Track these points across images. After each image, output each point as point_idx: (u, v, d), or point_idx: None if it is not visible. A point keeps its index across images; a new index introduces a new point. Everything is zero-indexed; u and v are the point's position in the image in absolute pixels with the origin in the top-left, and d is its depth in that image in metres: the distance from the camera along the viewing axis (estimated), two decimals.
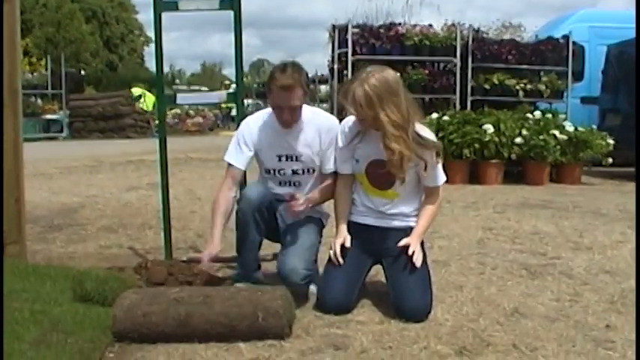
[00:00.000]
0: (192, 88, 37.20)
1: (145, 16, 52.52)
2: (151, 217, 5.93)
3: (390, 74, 3.19)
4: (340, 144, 3.38)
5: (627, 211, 6.37)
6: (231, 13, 3.99)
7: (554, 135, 8.96)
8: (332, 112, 11.68)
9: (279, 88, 3.31)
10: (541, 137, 8.89)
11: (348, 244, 3.31)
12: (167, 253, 4.19)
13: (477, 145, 8.82)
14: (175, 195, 6.28)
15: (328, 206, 3.66)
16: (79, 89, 24.23)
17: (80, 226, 5.63)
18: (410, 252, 3.21)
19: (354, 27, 10.36)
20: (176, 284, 3.38)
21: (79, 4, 43.30)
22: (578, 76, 11.92)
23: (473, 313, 3.22)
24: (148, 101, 22.37)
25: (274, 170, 3.56)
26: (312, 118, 3.49)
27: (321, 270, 3.47)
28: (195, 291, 2.97)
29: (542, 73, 10.82)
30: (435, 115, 9.30)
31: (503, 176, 9.08)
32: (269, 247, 3.85)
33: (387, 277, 3.34)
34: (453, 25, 10.72)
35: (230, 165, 3.52)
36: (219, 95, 6.59)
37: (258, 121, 3.57)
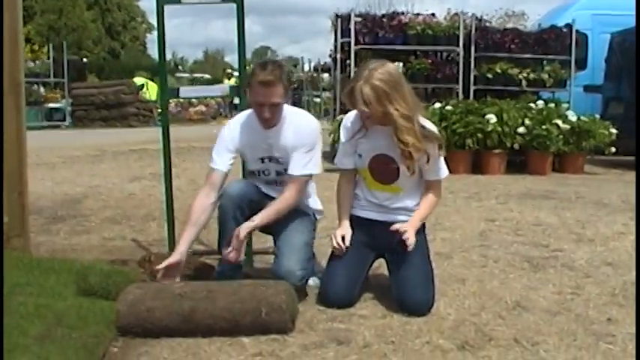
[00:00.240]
0: (195, 76, 37.11)
1: (147, 3, 52.26)
2: (154, 208, 5.94)
3: (392, 67, 3.20)
4: (343, 139, 3.39)
5: (629, 201, 6.37)
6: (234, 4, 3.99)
7: (557, 124, 8.96)
8: (335, 101, 11.71)
9: (259, 84, 3.26)
10: (544, 127, 8.89)
11: (348, 238, 3.31)
12: (170, 245, 4.19)
13: (479, 135, 8.82)
14: (178, 186, 6.28)
15: (323, 201, 3.69)
16: (81, 77, 24.18)
17: (84, 218, 5.65)
18: (404, 237, 3.19)
19: (356, 16, 10.35)
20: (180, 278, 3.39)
21: None
22: (581, 64, 11.88)
23: (475, 307, 3.23)
24: (151, 90, 22.35)
25: (259, 171, 3.55)
26: (292, 120, 3.44)
27: (323, 264, 3.49)
28: (199, 286, 2.98)
29: (545, 62, 10.80)
30: (437, 105, 9.29)
31: (506, 166, 9.09)
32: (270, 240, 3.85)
33: (390, 271, 3.35)
34: (456, 14, 10.71)
35: (211, 170, 3.46)
36: (221, 88, 6.62)
37: (239, 122, 3.52)
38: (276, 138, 3.43)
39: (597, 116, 9.70)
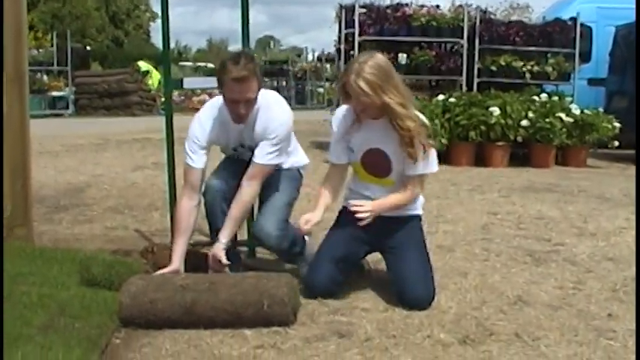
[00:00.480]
0: (199, 64, 37.02)
1: None
2: (157, 198, 5.95)
3: (381, 58, 3.16)
4: (335, 134, 3.36)
5: (632, 196, 6.36)
6: None
7: (561, 118, 8.95)
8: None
9: (233, 81, 3.16)
10: (547, 120, 8.88)
11: (313, 221, 3.21)
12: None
13: (482, 128, 8.81)
14: (181, 175, 6.28)
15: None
16: (84, 65, 24.16)
17: (86, 207, 5.67)
18: (357, 208, 3.17)
19: (361, 7, 10.30)
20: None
21: None
22: (586, 57, 11.83)
23: (476, 301, 3.24)
24: (154, 78, 22.31)
25: (234, 155, 3.57)
26: (263, 114, 3.36)
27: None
28: (201, 278, 2.99)
29: (549, 55, 10.76)
30: (441, 97, 9.28)
31: (509, 159, 9.08)
32: None
33: (387, 267, 3.35)
34: (461, 6, 10.64)
35: (188, 167, 3.43)
36: None
37: (209, 117, 3.44)
38: (247, 131, 3.40)
39: (601, 110, 9.68)
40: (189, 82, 6.46)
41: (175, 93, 20.90)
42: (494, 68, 10.39)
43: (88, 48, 29.12)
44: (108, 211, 5.51)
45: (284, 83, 28.17)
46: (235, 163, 3.55)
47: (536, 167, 8.90)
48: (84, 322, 2.74)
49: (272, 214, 3.38)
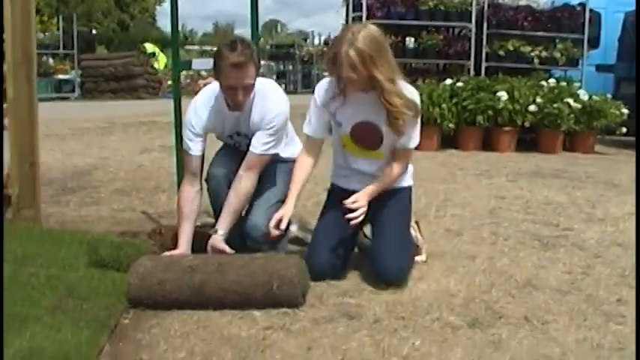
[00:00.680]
0: (205, 48, 36.94)
1: None
2: (163, 180, 5.95)
3: (375, 30, 3.08)
4: (315, 107, 3.29)
5: None
6: None
7: (569, 103, 8.90)
8: None
9: (231, 67, 3.13)
10: (555, 105, 8.83)
11: (285, 221, 3.18)
12: None
13: (490, 112, 8.77)
14: None
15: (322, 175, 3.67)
16: (90, 49, 24.18)
17: (93, 189, 5.67)
18: (353, 206, 3.14)
19: None
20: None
21: None
22: (594, 43, 11.74)
23: (485, 285, 3.23)
24: (161, 61, 22.29)
25: (231, 143, 3.57)
26: (259, 102, 3.34)
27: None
28: (210, 259, 2.99)
29: (557, 41, 10.70)
30: (448, 81, 9.23)
31: (517, 144, 9.04)
32: None
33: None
34: None
35: (187, 154, 3.43)
36: None
37: (204, 104, 3.42)
38: (243, 118, 3.38)
39: (609, 96, 9.62)
40: (199, 64, 6.41)
41: (183, 74, 20.88)
42: (502, 53, 10.34)
43: (94, 32, 29.08)
44: (115, 193, 5.51)
45: (290, 67, 28.14)
46: (233, 147, 3.56)
47: (544, 153, 8.86)
48: (92, 304, 2.74)
49: (263, 209, 3.38)
